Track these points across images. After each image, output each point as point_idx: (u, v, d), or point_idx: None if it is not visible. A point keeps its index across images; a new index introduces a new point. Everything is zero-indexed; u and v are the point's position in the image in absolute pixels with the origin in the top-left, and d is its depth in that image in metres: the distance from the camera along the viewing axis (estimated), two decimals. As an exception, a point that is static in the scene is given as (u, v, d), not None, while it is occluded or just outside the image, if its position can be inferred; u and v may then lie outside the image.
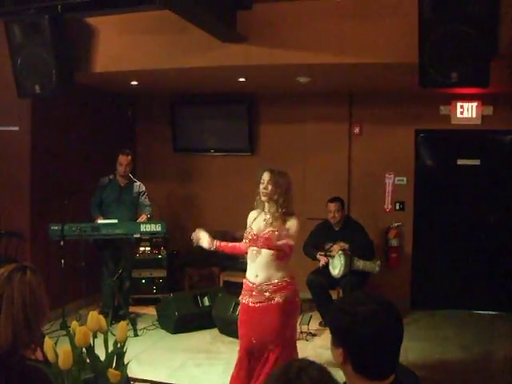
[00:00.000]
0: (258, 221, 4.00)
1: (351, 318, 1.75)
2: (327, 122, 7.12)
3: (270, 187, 3.89)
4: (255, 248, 3.92)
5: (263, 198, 3.93)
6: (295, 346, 4.07)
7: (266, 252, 3.88)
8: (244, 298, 4.00)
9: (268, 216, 3.93)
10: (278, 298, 3.86)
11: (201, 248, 4.20)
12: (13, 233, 5.88)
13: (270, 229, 3.87)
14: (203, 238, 4.14)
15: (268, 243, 3.85)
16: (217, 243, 4.13)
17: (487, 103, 6.61)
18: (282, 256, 3.88)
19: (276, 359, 3.82)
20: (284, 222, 3.87)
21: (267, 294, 3.87)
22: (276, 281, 3.88)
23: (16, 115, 5.94)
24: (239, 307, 4.22)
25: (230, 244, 4.23)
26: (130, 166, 6.35)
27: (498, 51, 4.48)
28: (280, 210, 3.87)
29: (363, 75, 5.76)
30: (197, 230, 4.19)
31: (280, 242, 3.80)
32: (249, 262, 4.00)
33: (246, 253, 4.06)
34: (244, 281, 4.05)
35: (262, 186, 3.92)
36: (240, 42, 5.12)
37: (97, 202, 6.29)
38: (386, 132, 6.99)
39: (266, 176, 3.93)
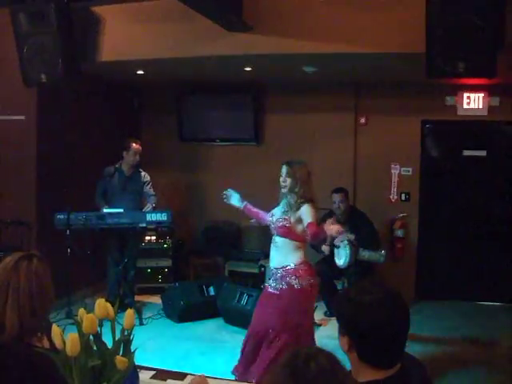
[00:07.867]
0: (277, 209, 4.20)
1: (356, 306, 1.76)
2: (333, 112, 7.09)
3: (288, 180, 4.05)
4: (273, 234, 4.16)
5: (283, 190, 4.10)
6: (307, 333, 4.14)
7: (278, 238, 4.10)
8: (267, 282, 4.24)
9: (285, 206, 4.11)
10: (284, 284, 4.01)
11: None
12: (19, 221, 5.89)
13: (283, 217, 4.06)
14: (234, 197, 4.40)
15: (280, 232, 4.07)
16: (245, 203, 4.39)
17: (494, 94, 6.59)
18: (301, 239, 4.07)
19: (281, 347, 3.86)
20: (298, 210, 4.01)
21: (278, 278, 4.03)
22: (287, 266, 4.02)
23: (22, 104, 5.94)
24: None
25: (255, 210, 4.42)
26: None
27: (506, 42, 4.44)
28: (297, 200, 4.01)
29: (369, 65, 5.73)
30: (229, 190, 4.42)
31: (298, 231, 4.03)
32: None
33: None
34: None
35: (280, 179, 4.09)
36: (246, 31, 5.10)
37: (101, 191, 6.30)
38: (392, 122, 6.97)
39: (283, 169, 4.11)
